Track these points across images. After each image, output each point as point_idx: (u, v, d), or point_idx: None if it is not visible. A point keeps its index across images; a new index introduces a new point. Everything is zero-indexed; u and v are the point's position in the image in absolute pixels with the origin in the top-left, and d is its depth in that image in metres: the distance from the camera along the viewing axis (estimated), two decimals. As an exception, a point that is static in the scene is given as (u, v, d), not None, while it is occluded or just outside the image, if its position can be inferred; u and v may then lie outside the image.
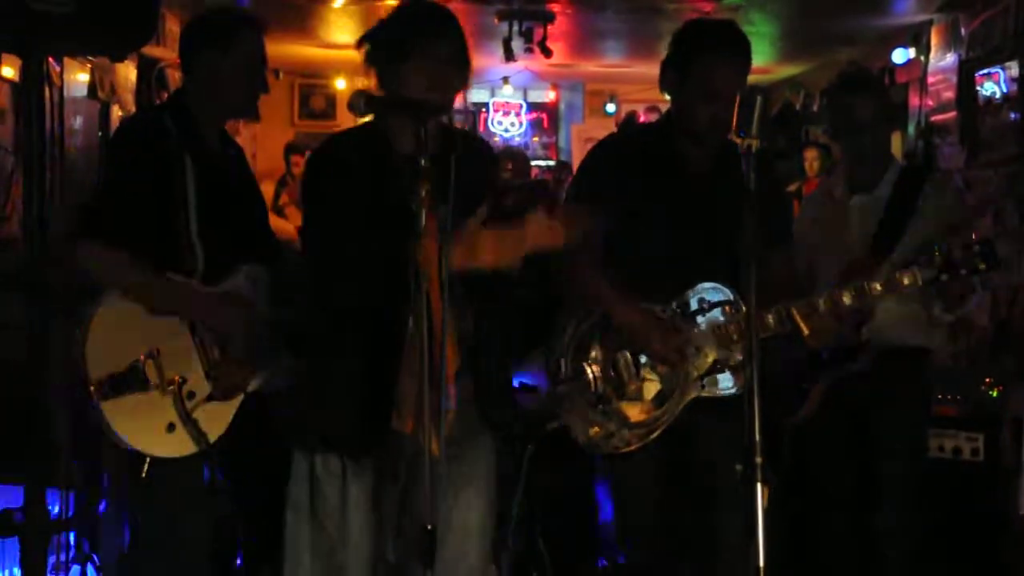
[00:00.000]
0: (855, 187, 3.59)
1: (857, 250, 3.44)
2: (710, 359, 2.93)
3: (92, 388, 2.72)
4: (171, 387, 2.79)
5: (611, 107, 11.16)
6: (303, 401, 2.64)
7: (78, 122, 4.77)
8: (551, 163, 11.30)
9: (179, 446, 2.81)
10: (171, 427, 2.80)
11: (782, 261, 3.04)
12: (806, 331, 2.89)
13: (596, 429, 2.95)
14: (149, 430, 2.79)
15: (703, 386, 2.92)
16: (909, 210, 3.45)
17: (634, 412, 2.95)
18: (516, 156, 11.19)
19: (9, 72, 3.95)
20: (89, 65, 4.87)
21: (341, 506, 2.56)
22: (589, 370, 2.95)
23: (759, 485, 2.11)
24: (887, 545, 3.52)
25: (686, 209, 2.93)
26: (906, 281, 2.98)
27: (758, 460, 2.12)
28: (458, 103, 11.15)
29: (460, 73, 2.56)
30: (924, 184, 3.53)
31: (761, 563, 2.06)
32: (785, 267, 3.06)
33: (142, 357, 2.78)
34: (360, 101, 2.30)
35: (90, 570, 3.79)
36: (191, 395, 2.82)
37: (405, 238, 2.28)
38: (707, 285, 2.94)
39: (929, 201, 3.48)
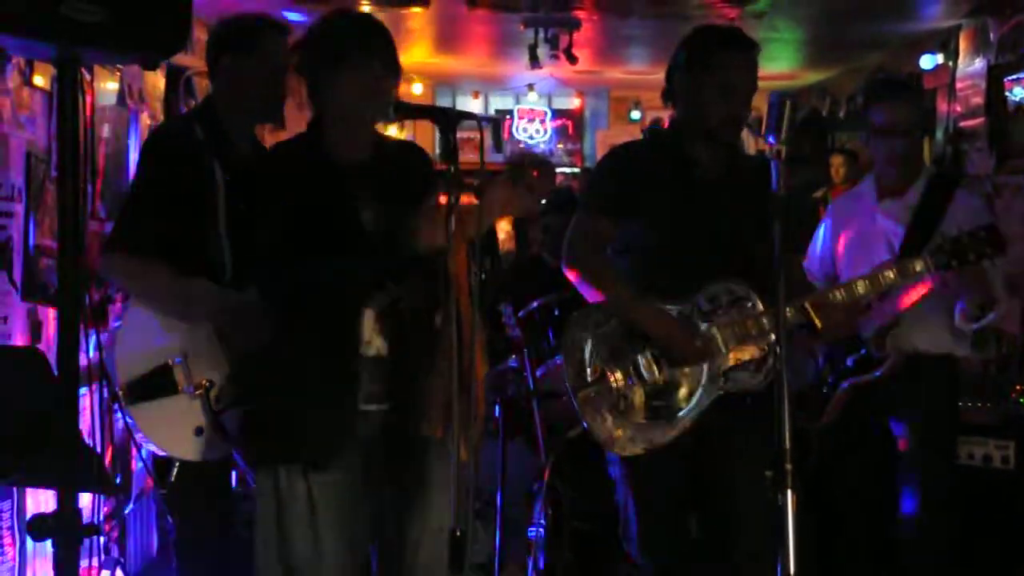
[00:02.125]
0: (885, 191, 3.58)
1: (884, 254, 3.43)
2: (730, 356, 2.95)
3: (120, 392, 2.74)
4: (199, 391, 2.80)
5: (636, 114, 11.16)
6: (264, 413, 2.59)
7: (106, 130, 4.80)
8: (576, 170, 11.31)
9: (207, 450, 2.81)
10: (199, 431, 2.81)
11: (792, 267, 3.07)
12: (819, 325, 2.90)
13: (619, 432, 2.95)
14: (177, 434, 2.80)
15: (725, 383, 2.94)
16: (939, 217, 3.44)
17: (657, 412, 2.95)
18: (541, 163, 11.24)
19: (40, 81, 3.99)
20: (118, 73, 4.91)
21: (310, 520, 2.51)
22: (610, 373, 2.96)
23: (789, 491, 2.10)
24: (912, 553, 3.50)
25: (698, 210, 2.96)
26: (917, 267, 3.04)
27: (788, 466, 2.11)
28: (479, 110, 11.08)
29: (392, 82, 2.55)
30: (954, 191, 3.52)
31: (792, 570, 2.05)
32: (794, 274, 3.08)
33: (170, 361, 2.79)
34: (389, 109, 2.31)
35: (119, 574, 3.81)
36: (219, 399, 2.83)
37: (341, 244, 2.37)
38: (722, 283, 2.97)
39: (958, 208, 3.47)
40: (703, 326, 2.95)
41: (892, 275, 3.02)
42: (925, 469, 3.50)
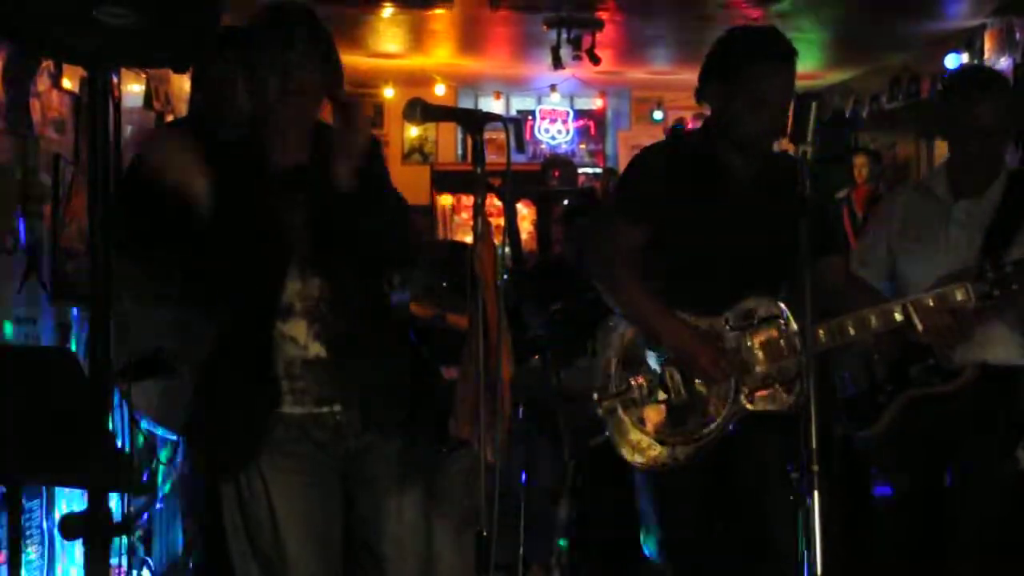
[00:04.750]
0: (961, 191, 3.34)
1: (957, 256, 3.26)
2: (760, 374, 2.88)
3: (118, 374, 2.73)
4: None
5: (658, 114, 11.13)
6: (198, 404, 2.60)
7: (129, 133, 4.85)
8: (598, 170, 11.30)
9: None
10: None
11: (833, 271, 2.99)
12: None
13: (641, 444, 2.89)
14: (175, 411, 2.78)
15: (752, 402, 2.87)
16: (1019, 219, 3.24)
17: (681, 427, 2.90)
18: (563, 164, 11.24)
19: (68, 84, 4.03)
20: (144, 76, 4.95)
21: (272, 525, 2.48)
22: (636, 385, 2.91)
23: (816, 494, 2.09)
24: (957, 563, 3.40)
25: (730, 218, 2.87)
26: (959, 296, 2.92)
27: (815, 468, 2.10)
28: (501, 111, 11.05)
29: (311, 74, 2.38)
30: None
31: (819, 571, 2.05)
32: (837, 277, 3.01)
33: (165, 345, 2.77)
34: (416, 110, 2.31)
35: (146, 574, 3.84)
36: None
37: (273, 250, 2.37)
38: (755, 299, 2.89)
39: None
40: (732, 342, 2.87)
41: (931, 302, 2.90)
42: (990, 479, 3.35)
